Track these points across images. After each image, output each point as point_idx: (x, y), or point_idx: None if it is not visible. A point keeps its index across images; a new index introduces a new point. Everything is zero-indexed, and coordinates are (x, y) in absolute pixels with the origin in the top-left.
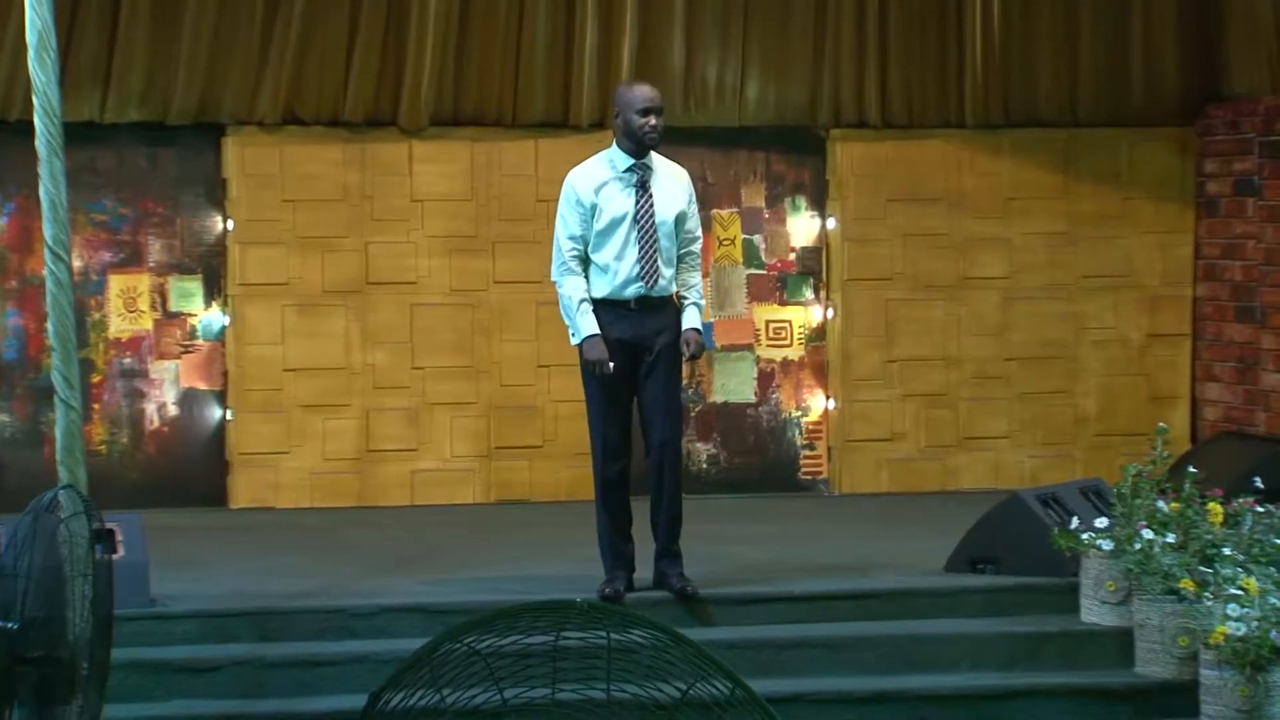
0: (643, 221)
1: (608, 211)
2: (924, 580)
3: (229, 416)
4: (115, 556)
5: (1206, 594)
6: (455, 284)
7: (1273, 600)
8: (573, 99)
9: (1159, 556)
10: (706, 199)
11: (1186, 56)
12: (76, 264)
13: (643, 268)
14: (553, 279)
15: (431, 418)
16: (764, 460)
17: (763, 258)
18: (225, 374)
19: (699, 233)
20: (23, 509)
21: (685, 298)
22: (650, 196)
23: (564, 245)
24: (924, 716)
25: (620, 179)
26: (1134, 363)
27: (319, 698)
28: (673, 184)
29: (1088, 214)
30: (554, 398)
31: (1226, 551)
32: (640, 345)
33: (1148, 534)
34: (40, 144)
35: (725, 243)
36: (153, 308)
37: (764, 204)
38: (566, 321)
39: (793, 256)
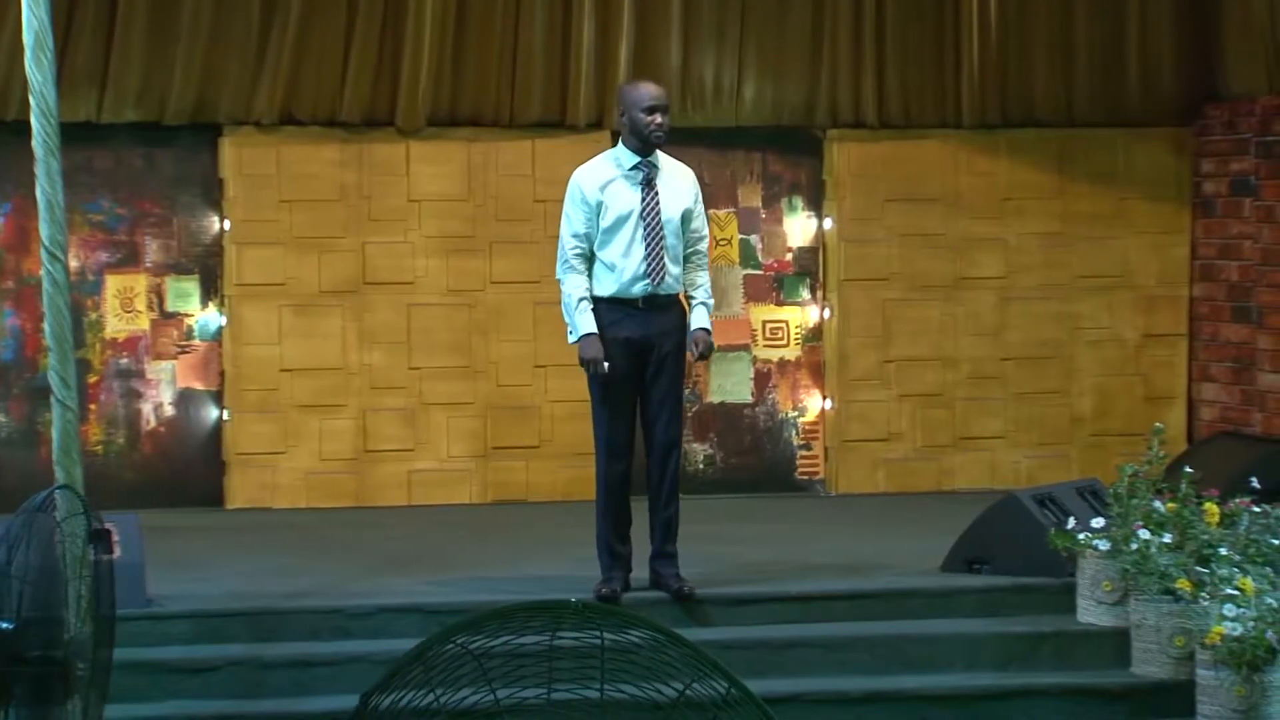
0: (649, 219)
1: (613, 209)
2: (920, 580)
3: (226, 417)
4: (111, 557)
5: (1203, 594)
6: (452, 284)
7: (1269, 600)
8: (570, 99)
9: (1155, 556)
10: (703, 199)
11: (1183, 57)
12: (73, 264)
13: (649, 265)
14: (556, 276)
15: (428, 418)
16: (760, 460)
17: (759, 258)
18: (222, 374)
19: (705, 231)
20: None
21: (693, 297)
22: (656, 194)
23: (568, 243)
24: (924, 718)
25: (626, 176)
26: (1130, 363)
27: (315, 698)
28: (679, 182)
29: (1084, 214)
30: (551, 398)
31: (1223, 551)
32: (647, 345)
33: (1144, 534)
34: (37, 144)
35: (722, 243)
36: (149, 308)
37: (761, 204)
38: (566, 319)
39: (789, 257)
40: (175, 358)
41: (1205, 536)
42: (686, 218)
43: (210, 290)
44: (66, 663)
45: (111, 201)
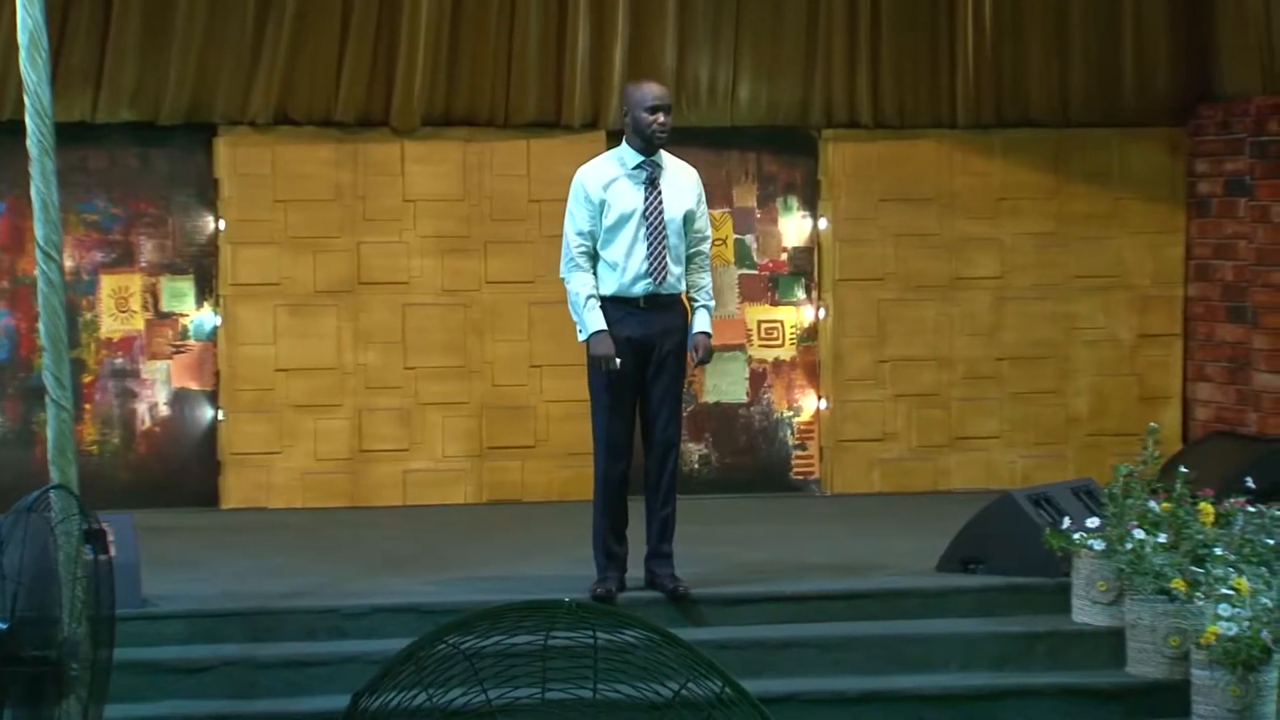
0: (651, 218)
1: (616, 208)
2: (915, 580)
3: (221, 416)
4: (102, 557)
5: (1198, 594)
6: (447, 284)
7: (1264, 600)
8: (565, 99)
9: (1150, 556)
10: None
11: (1177, 57)
12: (68, 264)
13: (651, 264)
14: (561, 275)
15: (423, 418)
16: (756, 460)
17: (754, 258)
18: (217, 374)
19: (709, 232)
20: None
21: (694, 300)
22: (660, 193)
23: (572, 241)
24: (922, 718)
25: (630, 176)
26: (1125, 363)
27: (310, 698)
28: (683, 182)
29: (1079, 214)
30: (546, 398)
31: (1218, 551)
32: (648, 345)
33: (1139, 534)
34: (32, 144)
35: (717, 243)
36: (144, 308)
37: (756, 204)
38: (574, 318)
39: (784, 257)
40: (170, 358)
41: (1200, 536)
42: (689, 218)
43: (205, 290)
44: (60, 663)
45: (106, 201)
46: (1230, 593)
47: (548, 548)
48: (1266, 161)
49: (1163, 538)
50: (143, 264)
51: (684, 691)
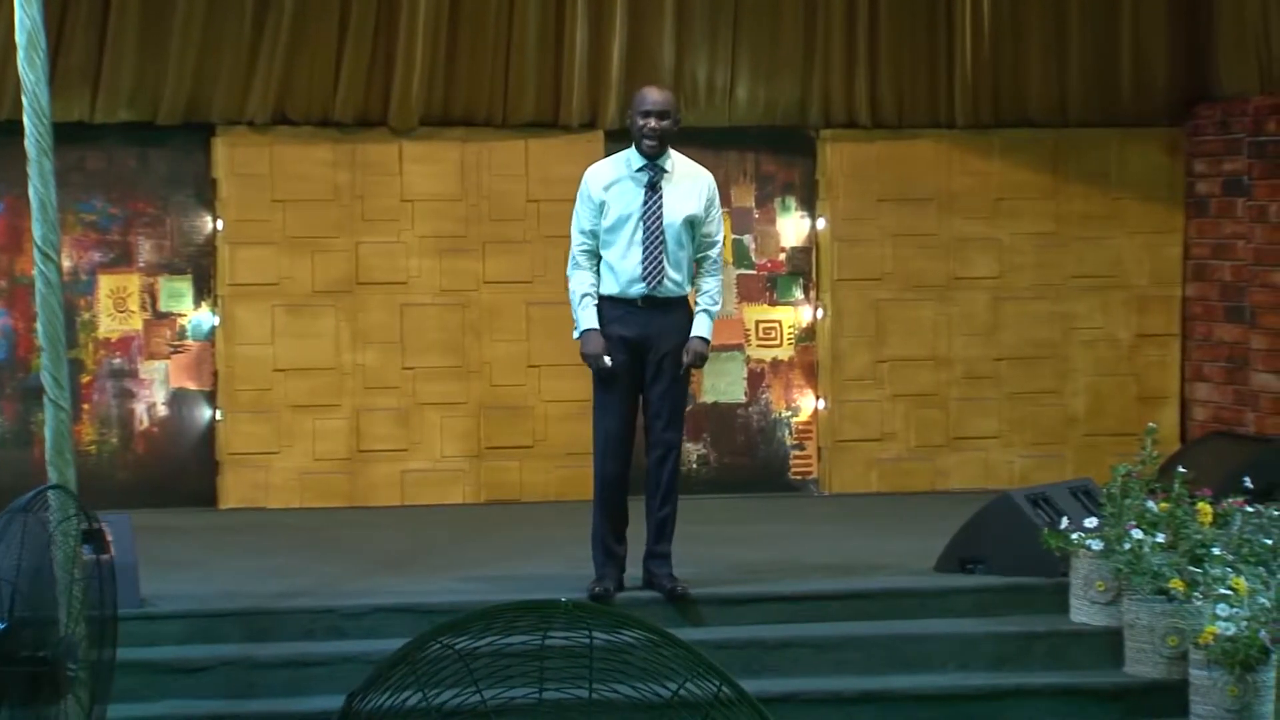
0: (649, 222)
1: (615, 209)
2: (913, 580)
3: (219, 417)
4: (105, 557)
5: (1196, 594)
6: (445, 284)
7: (1262, 600)
8: (563, 99)
9: (1148, 556)
10: None
11: (1176, 57)
12: (66, 264)
13: (645, 268)
14: (566, 273)
15: (422, 418)
16: (754, 460)
17: (752, 258)
18: (215, 374)
19: (717, 237)
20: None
21: (698, 303)
22: (660, 197)
23: (575, 240)
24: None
25: (633, 178)
26: (1123, 363)
27: (308, 698)
28: (688, 187)
29: (1077, 214)
30: (544, 398)
31: (1216, 551)
32: (645, 345)
33: (1137, 534)
34: (29, 144)
35: None
36: (142, 308)
37: (754, 204)
38: (573, 315)
39: (782, 257)
40: (168, 358)
41: (1198, 536)
42: (694, 223)
43: (203, 290)
44: (56, 663)
45: (104, 201)
46: (1228, 592)
47: (546, 548)
48: (1265, 161)
49: (1161, 538)
50: (141, 264)
51: (682, 692)
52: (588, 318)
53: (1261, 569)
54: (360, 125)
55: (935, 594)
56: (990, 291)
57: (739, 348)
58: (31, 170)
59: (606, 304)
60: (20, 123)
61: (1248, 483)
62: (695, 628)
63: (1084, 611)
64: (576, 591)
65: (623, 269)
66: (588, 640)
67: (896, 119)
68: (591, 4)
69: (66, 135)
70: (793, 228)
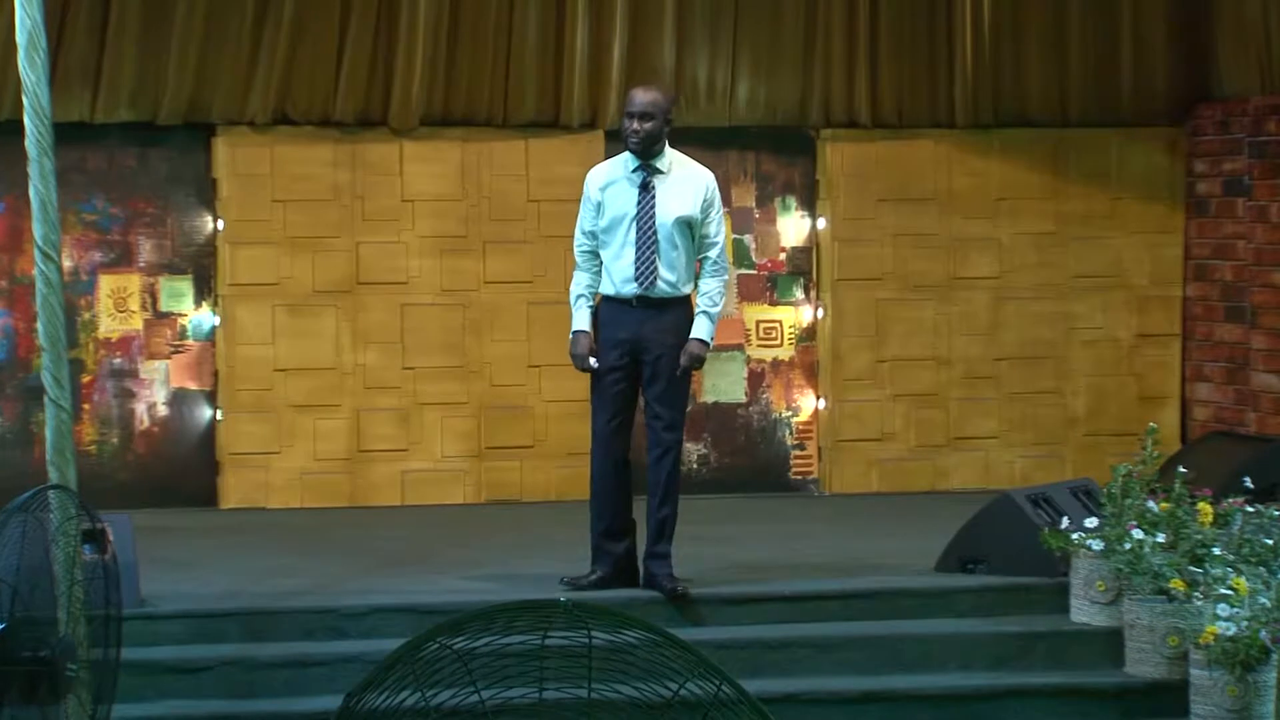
0: (643, 222)
1: (610, 210)
2: (914, 580)
3: (219, 417)
4: (109, 556)
5: (1196, 594)
6: (446, 284)
7: (1262, 600)
8: (563, 99)
9: (1149, 556)
10: None
11: (1176, 57)
12: (66, 264)
13: (638, 269)
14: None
15: (422, 418)
16: (754, 460)
17: (753, 258)
18: (216, 374)
19: (717, 238)
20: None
21: (698, 304)
22: (653, 198)
23: (576, 239)
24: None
25: (628, 179)
26: (1124, 363)
27: (308, 698)
28: (684, 188)
29: (1077, 214)
30: (545, 398)
31: (1216, 551)
32: (640, 345)
33: (1138, 534)
34: (30, 144)
35: None
36: (143, 308)
37: (754, 204)
38: None
39: (783, 256)
40: (169, 357)
41: (1199, 536)
42: (690, 223)
43: (204, 290)
44: (55, 663)
45: (105, 201)
46: (1229, 593)
47: (546, 547)
48: (1265, 161)
49: (1161, 538)
50: (141, 264)
51: (682, 692)
52: (578, 319)
53: (1262, 569)
54: (361, 125)
55: (936, 594)
56: (991, 291)
57: (739, 348)
58: (32, 170)
59: (605, 304)
60: (21, 122)
61: (1248, 483)
62: (695, 627)
63: (1084, 611)
64: (576, 591)
65: (617, 269)
66: (587, 640)
67: (897, 119)
68: (592, 4)
69: (67, 135)
70: (793, 227)
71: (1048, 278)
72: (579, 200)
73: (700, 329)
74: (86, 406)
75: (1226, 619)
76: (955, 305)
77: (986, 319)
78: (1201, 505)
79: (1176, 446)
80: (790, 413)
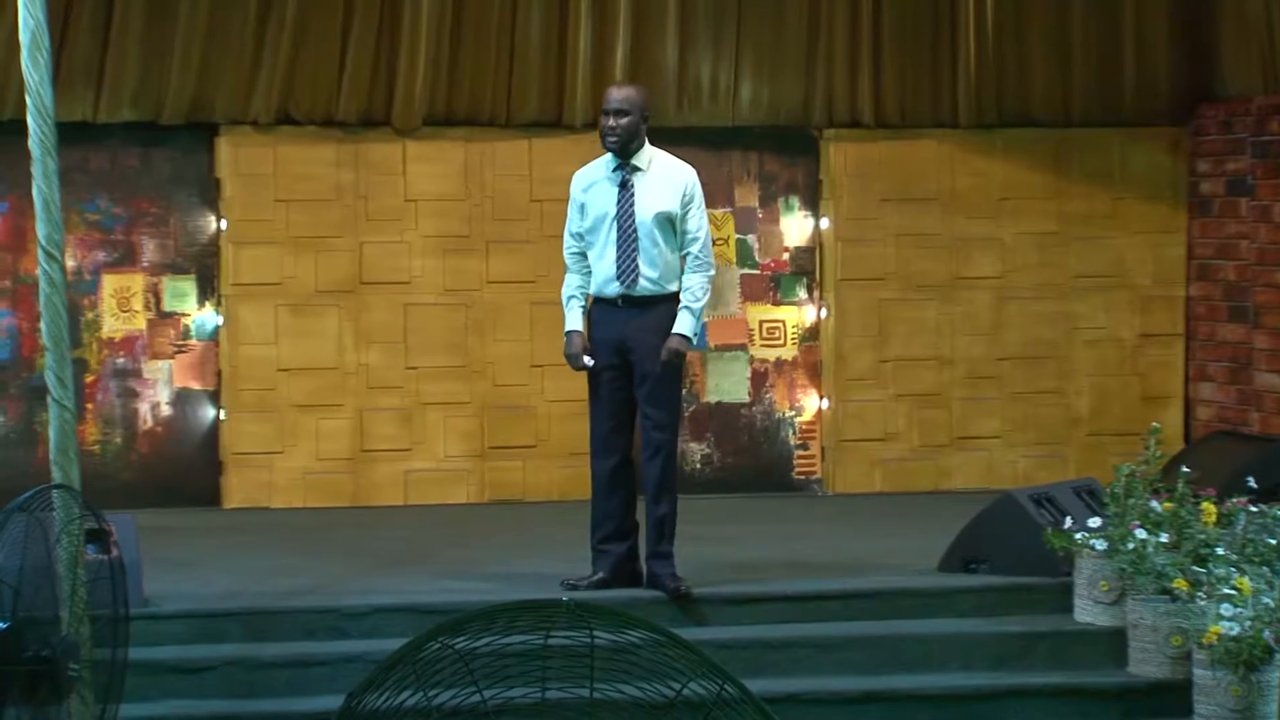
0: (623, 221)
1: (592, 210)
2: (917, 580)
3: (222, 416)
4: (115, 556)
5: (1200, 594)
6: (449, 284)
7: (1266, 600)
8: (566, 99)
9: (1152, 556)
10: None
11: (1179, 56)
12: (70, 264)
13: (620, 267)
14: None
15: (425, 418)
16: (757, 460)
17: (756, 257)
18: (219, 374)
19: (699, 233)
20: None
21: (681, 300)
22: (632, 196)
23: (566, 241)
24: None
25: (609, 178)
26: (1127, 362)
27: (311, 698)
28: (663, 184)
29: (1080, 214)
30: (547, 398)
31: (1220, 551)
32: (625, 344)
33: (1141, 534)
34: (33, 143)
35: (719, 242)
36: (146, 307)
37: (757, 204)
38: None
39: (786, 256)
40: (172, 357)
41: (1202, 536)
42: (667, 220)
43: (207, 290)
44: (57, 662)
45: (108, 201)
46: (1232, 592)
47: (549, 547)
48: (1268, 161)
49: (1165, 537)
50: (145, 264)
51: (685, 691)
52: (570, 319)
53: (1265, 569)
54: (364, 125)
55: (938, 594)
56: (993, 291)
57: (743, 347)
58: (35, 170)
59: (595, 305)
60: (24, 122)
61: (1251, 482)
62: (698, 627)
63: (1088, 611)
64: (577, 593)
65: (600, 269)
66: (589, 640)
67: (900, 119)
68: (595, 4)
69: (70, 135)
70: (796, 227)
71: (1050, 277)
72: None
73: (682, 325)
74: (90, 406)
75: (1230, 619)
76: (958, 305)
77: (989, 319)
78: (1205, 505)
79: (1179, 446)
80: (793, 412)
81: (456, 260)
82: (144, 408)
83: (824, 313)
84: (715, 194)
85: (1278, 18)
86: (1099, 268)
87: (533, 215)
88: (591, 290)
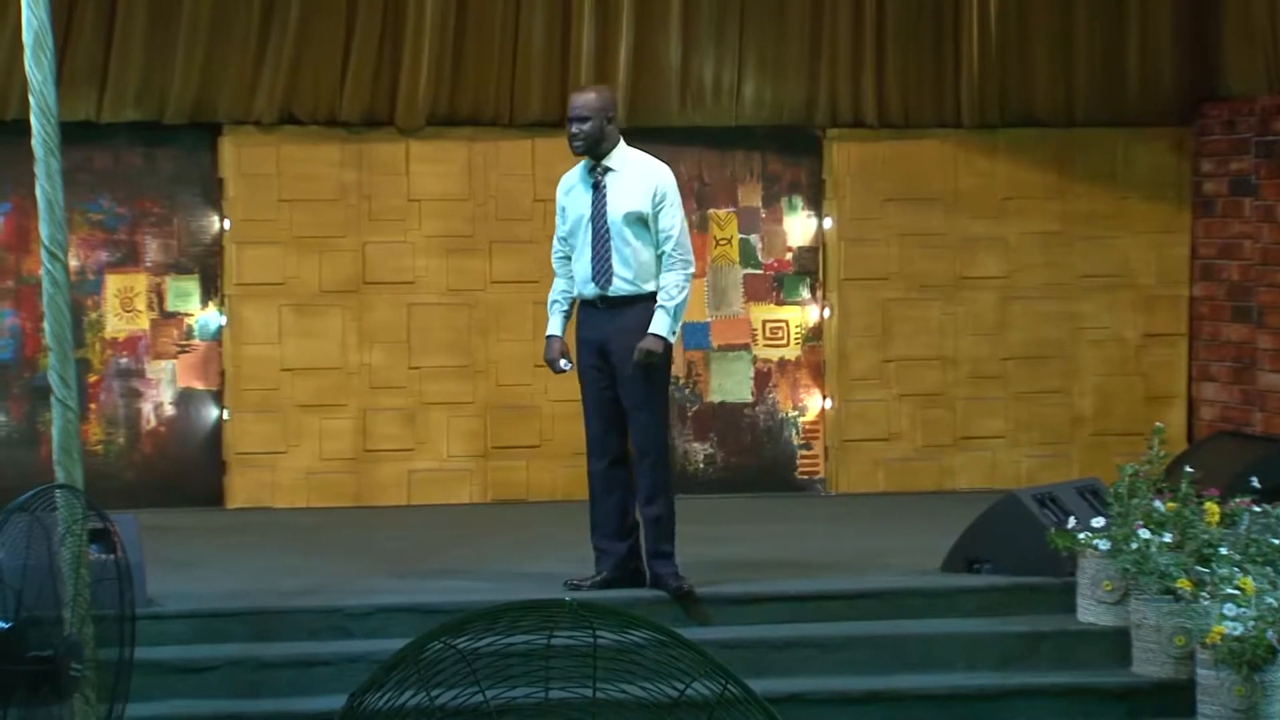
0: (596, 222)
1: (571, 213)
2: (920, 580)
3: (226, 416)
4: (121, 556)
5: (1203, 594)
6: (452, 284)
7: (1269, 600)
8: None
9: (1155, 556)
10: (703, 198)
11: (1182, 56)
12: (73, 264)
13: (594, 268)
14: None
15: (428, 417)
16: (761, 460)
17: (759, 257)
18: (222, 374)
19: (672, 231)
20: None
21: (658, 299)
22: (604, 196)
23: (553, 246)
24: None
25: (584, 180)
26: (1130, 362)
27: (314, 698)
28: (633, 184)
29: (1084, 214)
30: (551, 397)
31: (1223, 551)
32: (605, 346)
33: (1144, 534)
34: (36, 143)
35: (722, 242)
36: (149, 307)
37: (760, 204)
38: None
39: (789, 256)
40: (175, 357)
41: (1205, 536)
42: (638, 218)
43: (210, 290)
44: (59, 662)
45: (111, 201)
46: (1235, 592)
47: (552, 547)
48: (1272, 161)
49: (1168, 537)
50: (148, 263)
51: (688, 691)
52: (551, 324)
53: (1269, 569)
54: (367, 125)
55: (942, 594)
56: (997, 291)
57: (746, 347)
58: (38, 169)
59: (579, 307)
60: (27, 122)
61: (1255, 482)
62: (701, 627)
63: (1091, 611)
64: (580, 593)
65: (578, 270)
66: (592, 640)
67: (903, 119)
68: (598, 4)
69: (73, 134)
70: (799, 227)
71: (1054, 277)
72: None
73: (657, 325)
74: (93, 406)
75: (1233, 619)
76: (961, 305)
77: (993, 319)
78: (1208, 505)
79: (1183, 446)
80: (796, 412)
81: (460, 260)
82: (147, 408)
83: (827, 312)
84: (718, 194)
85: None
86: (1102, 267)
87: (536, 215)
88: (576, 292)
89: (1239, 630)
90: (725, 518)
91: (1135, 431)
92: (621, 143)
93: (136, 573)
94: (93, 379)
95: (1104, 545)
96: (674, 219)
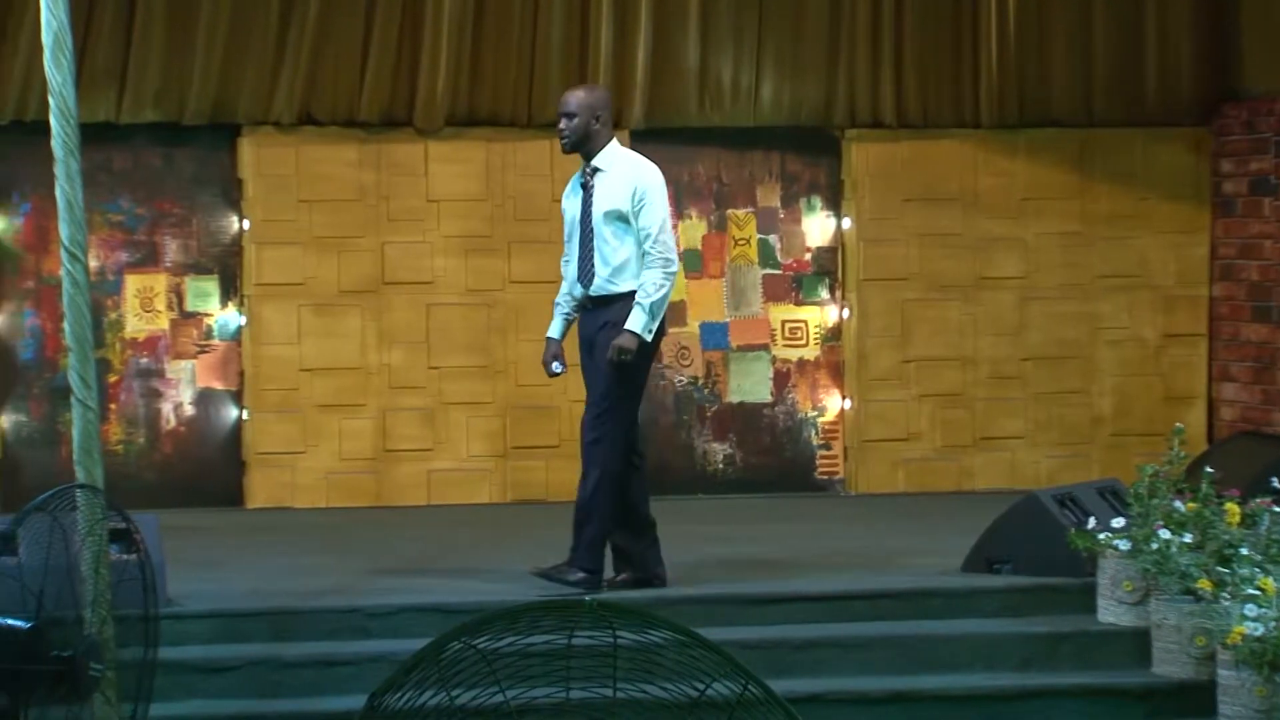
0: (584, 222)
1: (567, 214)
2: (940, 580)
3: (245, 416)
4: (133, 556)
5: (1224, 594)
6: (471, 284)
7: None
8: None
9: (1176, 556)
10: (721, 199)
11: (1201, 56)
12: (93, 264)
13: (580, 267)
14: None
15: (448, 417)
16: (780, 460)
17: (778, 258)
18: (241, 374)
19: (651, 229)
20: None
21: (636, 296)
22: (591, 196)
23: (564, 248)
24: None
25: (577, 181)
26: (1150, 363)
27: (334, 698)
28: (617, 183)
29: (1103, 214)
30: (570, 397)
31: (1244, 551)
32: (591, 343)
33: (1165, 534)
34: (56, 144)
35: (741, 243)
36: (169, 308)
37: (779, 204)
38: None
39: (808, 256)
40: (195, 357)
41: (1226, 536)
42: (618, 216)
43: (230, 290)
44: (79, 662)
45: (131, 202)
46: (1256, 593)
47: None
48: None
49: (1188, 538)
50: (167, 264)
51: (708, 691)
52: (551, 326)
53: None
54: (386, 125)
55: (962, 594)
56: (1016, 291)
57: (765, 348)
58: (58, 170)
59: (580, 308)
60: (47, 123)
61: (1275, 483)
62: (721, 627)
63: (1111, 612)
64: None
65: (569, 270)
66: (612, 640)
67: (922, 119)
68: (617, 4)
69: (93, 135)
70: (818, 227)
71: (1073, 278)
72: None
73: (632, 321)
74: (113, 406)
75: (1254, 619)
76: (981, 305)
77: (1012, 319)
78: (1229, 505)
79: (1203, 447)
80: (816, 413)
81: (478, 260)
82: (167, 408)
83: (846, 313)
84: (737, 194)
85: None
86: (1122, 268)
87: (554, 215)
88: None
89: (1260, 630)
90: (745, 518)
91: (1155, 432)
92: (614, 143)
93: (158, 573)
94: (113, 379)
95: (1124, 546)
96: (653, 217)
